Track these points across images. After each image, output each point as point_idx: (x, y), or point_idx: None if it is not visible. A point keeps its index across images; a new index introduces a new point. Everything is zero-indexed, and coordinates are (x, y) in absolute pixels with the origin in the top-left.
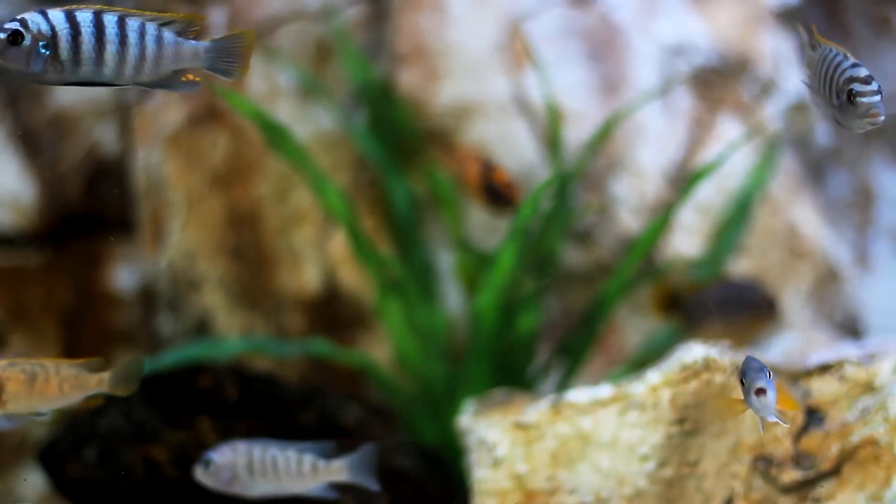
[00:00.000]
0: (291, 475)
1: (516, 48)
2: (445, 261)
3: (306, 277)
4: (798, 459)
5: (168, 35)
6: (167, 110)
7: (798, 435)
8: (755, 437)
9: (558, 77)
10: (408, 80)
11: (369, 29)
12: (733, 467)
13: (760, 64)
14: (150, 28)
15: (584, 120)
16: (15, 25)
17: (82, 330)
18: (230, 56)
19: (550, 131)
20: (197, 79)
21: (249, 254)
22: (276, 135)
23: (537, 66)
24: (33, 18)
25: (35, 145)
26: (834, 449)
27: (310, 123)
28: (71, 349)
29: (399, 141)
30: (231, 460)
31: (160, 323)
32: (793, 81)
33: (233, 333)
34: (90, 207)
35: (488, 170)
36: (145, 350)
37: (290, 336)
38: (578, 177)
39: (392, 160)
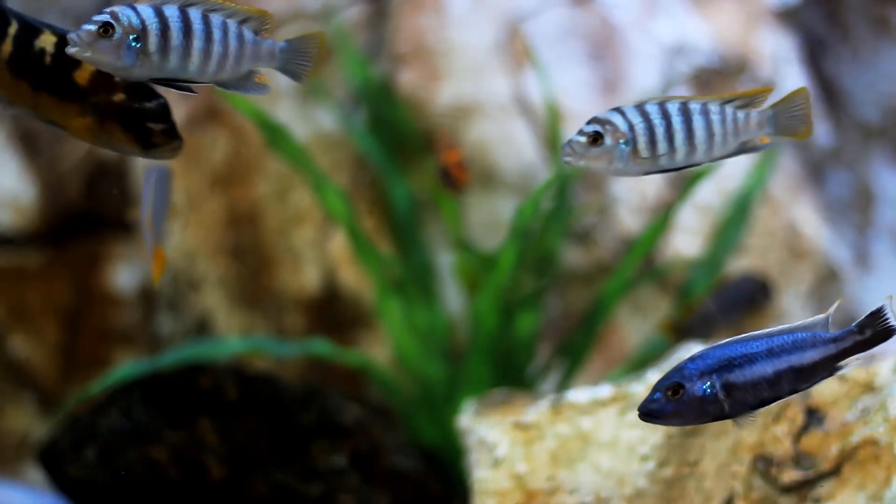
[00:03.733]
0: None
1: (516, 48)
2: (445, 261)
3: (306, 277)
4: (798, 459)
5: (247, 33)
6: None
7: (798, 435)
8: (755, 437)
9: (558, 77)
10: (408, 80)
11: (369, 29)
12: (733, 467)
13: (760, 64)
14: (232, 25)
15: (584, 120)
16: (105, 17)
17: (82, 330)
18: (303, 57)
19: (550, 131)
20: (267, 82)
21: (249, 254)
22: (276, 135)
23: (537, 66)
24: (123, 11)
25: (35, 145)
26: (834, 449)
27: (310, 123)
28: (70, 349)
29: (399, 141)
30: None
31: (160, 323)
32: (792, 81)
33: (233, 333)
34: (90, 207)
35: (444, 151)
36: (145, 350)
37: (290, 336)
38: (578, 177)
39: (392, 160)
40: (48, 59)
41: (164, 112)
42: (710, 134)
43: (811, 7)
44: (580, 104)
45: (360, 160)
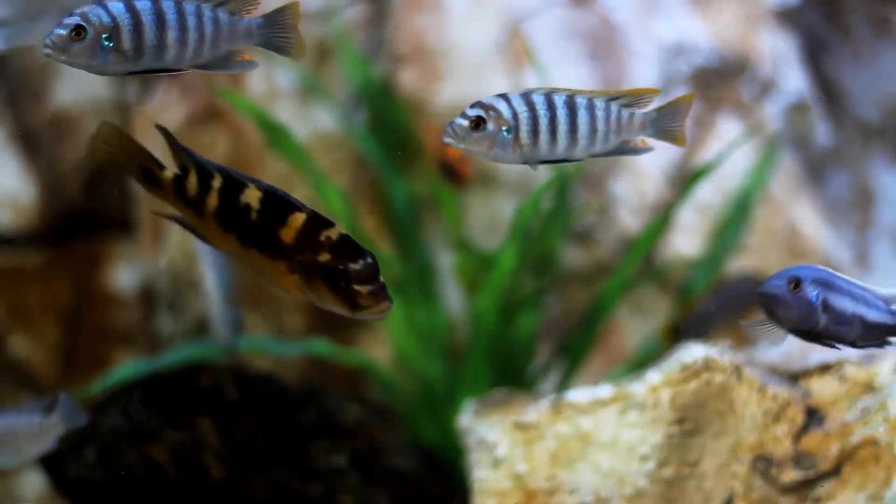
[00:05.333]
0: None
1: (516, 48)
2: (445, 261)
3: None
4: (798, 459)
5: (222, 15)
6: (167, 110)
7: (798, 435)
8: (755, 437)
9: (558, 77)
10: (408, 80)
11: (369, 29)
12: (733, 467)
13: (760, 64)
14: (206, 10)
15: None
16: (76, 20)
17: (82, 330)
18: (281, 30)
19: None
20: (253, 58)
21: None
22: (276, 135)
23: (537, 66)
24: (94, 11)
25: (35, 145)
26: (834, 449)
27: (310, 123)
28: (70, 349)
29: (399, 141)
30: None
31: (160, 323)
32: (793, 81)
33: None
34: (90, 207)
35: (444, 145)
36: (145, 350)
37: (290, 336)
38: (578, 177)
39: (392, 160)
40: (254, 215)
41: (371, 273)
42: (592, 129)
43: (811, 7)
44: None
45: (360, 160)
